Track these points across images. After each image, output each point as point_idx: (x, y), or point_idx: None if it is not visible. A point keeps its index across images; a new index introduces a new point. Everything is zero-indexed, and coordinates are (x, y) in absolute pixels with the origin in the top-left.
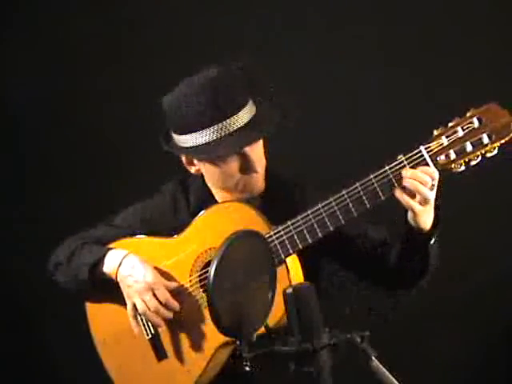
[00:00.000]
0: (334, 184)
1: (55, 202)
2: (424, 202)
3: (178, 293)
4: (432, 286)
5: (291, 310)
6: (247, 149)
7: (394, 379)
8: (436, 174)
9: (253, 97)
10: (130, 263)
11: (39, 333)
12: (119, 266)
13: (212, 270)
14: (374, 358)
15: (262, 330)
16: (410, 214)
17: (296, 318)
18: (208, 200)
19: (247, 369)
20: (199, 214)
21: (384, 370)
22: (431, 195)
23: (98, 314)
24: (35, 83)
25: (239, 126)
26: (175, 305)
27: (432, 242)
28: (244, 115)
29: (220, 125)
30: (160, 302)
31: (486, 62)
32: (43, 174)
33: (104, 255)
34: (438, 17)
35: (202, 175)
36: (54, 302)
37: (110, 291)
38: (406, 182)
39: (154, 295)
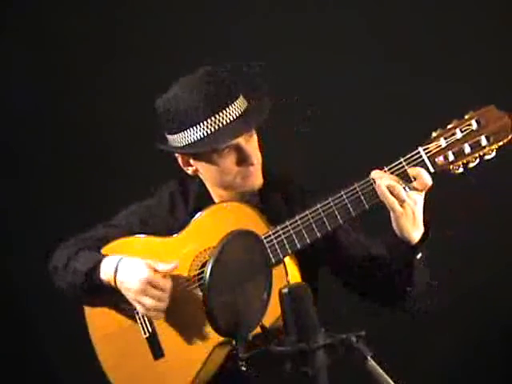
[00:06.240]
0: (333, 184)
1: (55, 202)
2: (400, 201)
3: (174, 292)
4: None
5: (287, 310)
6: (242, 141)
7: (389, 379)
8: (425, 178)
9: (243, 92)
10: (125, 268)
11: (39, 333)
12: (115, 272)
13: (208, 269)
14: (369, 358)
15: (258, 329)
16: (392, 215)
17: (292, 318)
18: (206, 200)
19: (243, 369)
20: (198, 214)
21: (380, 370)
22: (407, 197)
23: (96, 314)
24: (35, 83)
25: (233, 117)
26: (166, 302)
27: (418, 256)
28: (236, 107)
29: (213, 118)
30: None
31: (485, 63)
32: (43, 174)
33: (100, 261)
34: (439, 16)
35: (199, 177)
36: (54, 301)
37: (107, 295)
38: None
39: (149, 295)
